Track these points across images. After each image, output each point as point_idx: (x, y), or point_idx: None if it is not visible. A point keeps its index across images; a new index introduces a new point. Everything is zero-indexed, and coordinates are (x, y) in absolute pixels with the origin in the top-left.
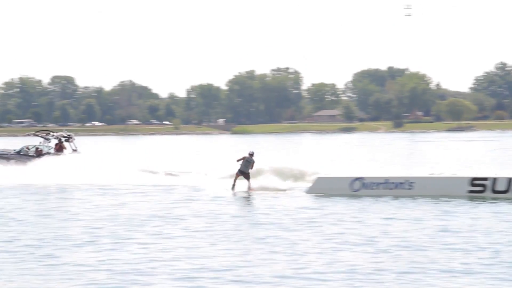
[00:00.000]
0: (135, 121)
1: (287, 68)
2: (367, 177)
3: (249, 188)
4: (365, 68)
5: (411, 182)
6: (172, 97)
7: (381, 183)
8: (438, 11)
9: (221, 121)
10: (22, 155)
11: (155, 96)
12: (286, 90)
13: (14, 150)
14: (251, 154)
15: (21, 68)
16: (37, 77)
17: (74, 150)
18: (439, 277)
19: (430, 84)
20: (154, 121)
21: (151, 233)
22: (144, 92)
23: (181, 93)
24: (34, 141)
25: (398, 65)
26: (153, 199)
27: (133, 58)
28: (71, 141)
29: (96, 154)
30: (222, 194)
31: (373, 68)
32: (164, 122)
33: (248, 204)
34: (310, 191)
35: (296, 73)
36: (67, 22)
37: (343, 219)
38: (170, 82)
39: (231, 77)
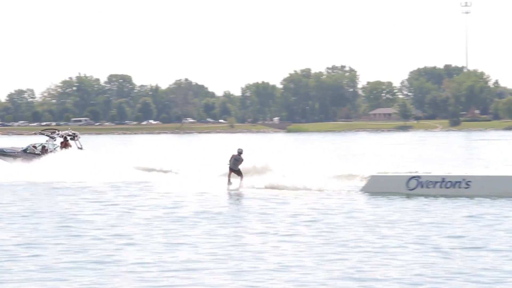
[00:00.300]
0: (190, 120)
1: (343, 67)
2: (423, 176)
3: (240, 185)
4: (422, 66)
5: (468, 181)
6: (227, 96)
7: (437, 182)
8: (496, 8)
9: (276, 119)
10: (28, 153)
11: (211, 94)
12: (342, 89)
13: (21, 148)
14: (240, 153)
15: (79, 67)
16: (95, 76)
17: (80, 148)
18: None
19: (488, 82)
20: (210, 120)
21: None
22: (200, 91)
23: (237, 92)
24: (41, 140)
25: (456, 63)
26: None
27: (189, 56)
28: (77, 139)
29: (97, 153)
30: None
31: (430, 66)
32: (219, 120)
33: (315, 206)
34: (365, 189)
35: (352, 71)
36: (125, 21)
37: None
38: (226, 81)
39: (286, 75)
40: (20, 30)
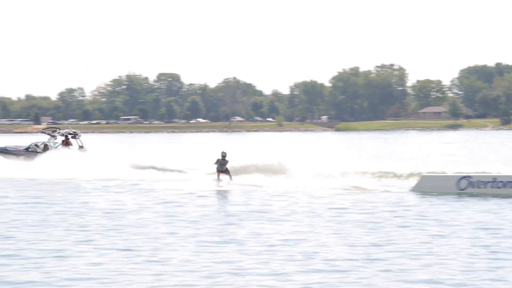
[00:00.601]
0: (239, 118)
1: (392, 65)
2: (474, 176)
3: (231, 179)
4: (472, 64)
5: None
6: (275, 94)
7: (488, 182)
8: None
9: (324, 118)
10: (30, 152)
11: (259, 93)
12: (391, 87)
13: (24, 147)
14: (224, 156)
15: (128, 66)
16: (144, 75)
17: (81, 147)
18: None
19: None
20: (258, 118)
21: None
22: (248, 89)
23: (285, 90)
24: (44, 138)
25: (507, 61)
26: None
27: (238, 55)
28: (78, 138)
29: (97, 150)
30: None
31: (480, 64)
32: (267, 119)
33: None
34: (415, 189)
35: (401, 69)
36: (174, 20)
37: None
38: (274, 79)
39: (334, 73)
40: (70, 29)
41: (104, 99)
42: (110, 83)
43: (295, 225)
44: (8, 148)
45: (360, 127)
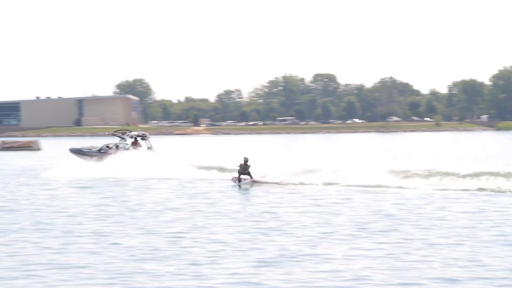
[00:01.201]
0: (395, 118)
1: None
2: None
3: (253, 181)
4: None
5: None
6: (433, 94)
7: None
8: None
9: (484, 117)
10: (102, 153)
11: (416, 92)
12: None
13: (97, 148)
14: (246, 161)
15: (285, 67)
16: (300, 76)
17: (149, 148)
18: None
19: None
20: (415, 118)
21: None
22: (405, 89)
23: (443, 89)
24: (115, 140)
25: None
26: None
27: (395, 54)
28: (146, 139)
29: (163, 151)
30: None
31: None
32: (425, 119)
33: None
34: None
35: None
36: (330, 20)
37: None
38: (432, 78)
39: (495, 72)
40: (227, 32)
41: (261, 101)
42: (266, 84)
43: None
44: (82, 150)
45: None
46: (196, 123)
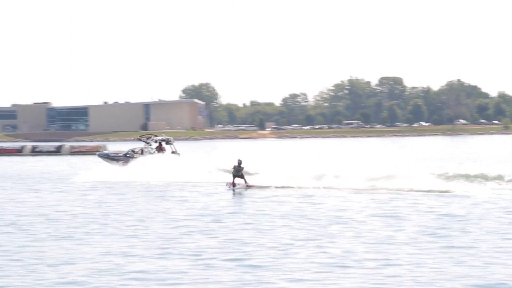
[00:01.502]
0: (463, 121)
1: None
2: None
3: (247, 185)
4: None
5: None
6: (502, 96)
7: None
8: None
9: None
10: (127, 157)
11: (484, 95)
12: None
13: (123, 152)
14: (239, 163)
15: (350, 70)
16: (366, 79)
17: (173, 152)
18: None
19: None
20: (483, 121)
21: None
22: (473, 91)
23: None
24: (140, 145)
25: None
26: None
27: (462, 57)
28: (171, 144)
29: (185, 156)
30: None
31: None
32: (493, 121)
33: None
34: None
35: None
36: (393, 22)
37: None
38: (500, 81)
39: None
40: (294, 35)
41: (327, 104)
42: (332, 88)
43: None
44: (109, 154)
45: None
46: (262, 127)
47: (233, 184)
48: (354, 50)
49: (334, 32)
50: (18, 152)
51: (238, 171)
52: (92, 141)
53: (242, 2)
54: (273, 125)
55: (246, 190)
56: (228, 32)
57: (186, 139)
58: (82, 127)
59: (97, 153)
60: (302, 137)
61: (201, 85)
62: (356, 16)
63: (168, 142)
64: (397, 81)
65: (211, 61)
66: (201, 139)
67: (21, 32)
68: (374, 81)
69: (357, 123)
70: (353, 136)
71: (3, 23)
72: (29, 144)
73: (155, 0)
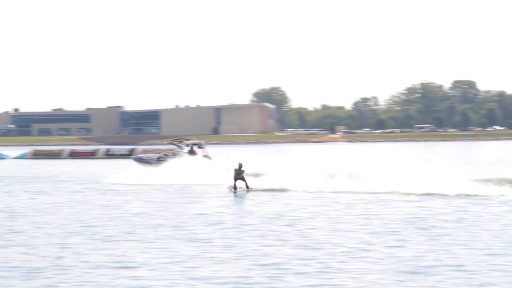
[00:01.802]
0: None
1: None
2: None
3: (247, 187)
4: None
5: None
6: None
7: None
8: None
9: None
10: (160, 161)
11: None
12: None
13: (156, 156)
14: (240, 167)
15: (423, 74)
16: (438, 82)
17: (205, 156)
18: None
19: None
20: None
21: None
22: None
23: None
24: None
25: None
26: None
27: None
28: (203, 148)
29: (216, 160)
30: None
31: None
32: None
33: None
34: None
35: None
36: (452, 25)
37: None
38: None
39: None
40: (365, 39)
41: (398, 108)
42: (404, 91)
43: None
44: (143, 158)
45: None
46: (332, 131)
47: (235, 187)
48: (426, 54)
49: (406, 35)
50: (92, 155)
51: (239, 174)
52: (164, 144)
53: (313, 6)
54: (344, 129)
55: (247, 193)
56: (300, 36)
57: (257, 142)
58: (154, 130)
59: (132, 157)
60: (373, 141)
61: (271, 89)
62: (429, 19)
63: (199, 146)
64: (471, 85)
65: (282, 65)
66: (271, 143)
67: (94, 37)
68: (447, 85)
69: (429, 127)
70: (426, 140)
71: (75, 30)
72: (102, 148)
73: (229, 4)
